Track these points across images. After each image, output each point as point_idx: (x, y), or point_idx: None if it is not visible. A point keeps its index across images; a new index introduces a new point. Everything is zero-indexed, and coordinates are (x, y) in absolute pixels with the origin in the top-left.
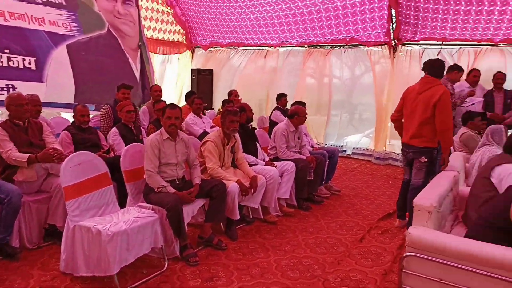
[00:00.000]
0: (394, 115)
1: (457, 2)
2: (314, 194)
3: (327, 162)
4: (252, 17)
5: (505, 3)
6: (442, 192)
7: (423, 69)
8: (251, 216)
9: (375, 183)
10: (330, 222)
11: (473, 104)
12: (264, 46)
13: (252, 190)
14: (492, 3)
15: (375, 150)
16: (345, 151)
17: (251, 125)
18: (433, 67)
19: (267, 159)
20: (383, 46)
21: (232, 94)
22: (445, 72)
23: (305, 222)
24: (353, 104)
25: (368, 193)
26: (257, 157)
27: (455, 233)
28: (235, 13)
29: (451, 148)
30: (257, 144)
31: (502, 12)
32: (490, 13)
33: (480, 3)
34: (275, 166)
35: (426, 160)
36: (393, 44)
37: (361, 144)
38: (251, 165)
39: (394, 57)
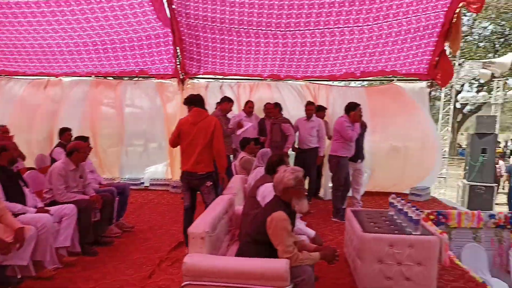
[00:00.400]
0: (173, 144)
1: (230, 43)
2: (102, 235)
3: (117, 199)
4: (26, 43)
5: (267, 45)
6: (216, 216)
7: (187, 103)
8: (19, 276)
9: (171, 212)
10: (119, 264)
11: (246, 129)
12: (44, 76)
13: (18, 245)
14: (257, 45)
15: (172, 179)
16: (143, 183)
17: (18, 166)
18: (199, 101)
19: (40, 205)
20: (172, 79)
21: (0, 130)
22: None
23: (90, 269)
24: (153, 134)
25: (163, 224)
26: (25, 204)
27: (230, 252)
28: (3, 38)
29: (234, 171)
30: (25, 188)
31: (266, 53)
32: (257, 53)
33: (249, 44)
34: (49, 212)
35: (211, 183)
36: (181, 77)
37: (159, 175)
38: (17, 215)
39: (183, 90)
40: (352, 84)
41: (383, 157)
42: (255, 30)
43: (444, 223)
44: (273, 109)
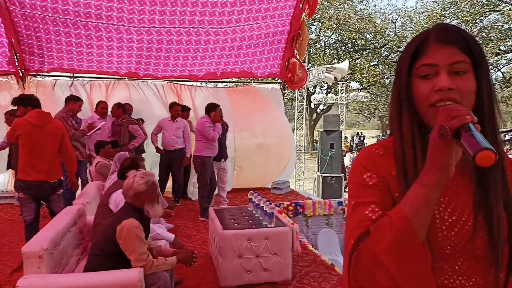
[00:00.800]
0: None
1: (78, 37)
2: None
3: None
4: None
5: (120, 40)
6: (60, 230)
7: (20, 104)
8: None
9: (15, 228)
10: None
11: (99, 129)
12: None
13: None
14: (109, 40)
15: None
16: None
17: None
18: (36, 102)
19: None
20: (9, 76)
21: None
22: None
23: None
24: None
25: (4, 243)
26: None
27: (80, 268)
28: None
29: (89, 178)
30: None
31: (120, 48)
32: (110, 48)
33: (99, 38)
34: None
35: (62, 191)
36: (21, 74)
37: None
38: None
39: (24, 88)
40: (220, 85)
41: (249, 154)
42: (105, 25)
43: (301, 213)
44: (116, 110)
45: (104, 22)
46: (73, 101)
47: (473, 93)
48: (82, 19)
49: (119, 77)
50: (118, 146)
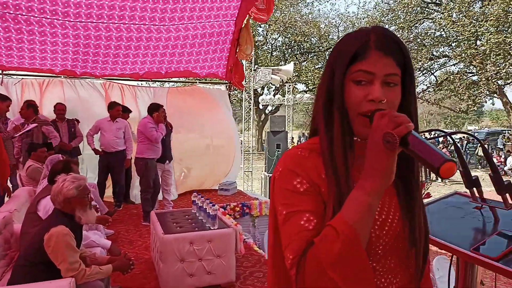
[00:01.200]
0: None
1: (6, 30)
2: None
3: None
4: None
5: (55, 35)
6: None
7: None
8: None
9: None
10: None
11: (29, 130)
12: None
13: None
14: (42, 35)
15: None
16: None
17: None
18: None
19: None
20: None
21: None
22: None
23: None
24: None
25: None
26: None
27: (5, 280)
28: None
29: (20, 183)
30: None
31: (54, 44)
32: (43, 43)
33: (31, 33)
34: None
35: None
36: None
37: None
38: None
39: None
40: (166, 85)
41: (197, 156)
42: (37, 18)
43: (248, 213)
44: (25, 110)
45: (36, 15)
46: (0, 100)
47: (398, 105)
48: (11, 11)
49: (54, 75)
50: (53, 149)
